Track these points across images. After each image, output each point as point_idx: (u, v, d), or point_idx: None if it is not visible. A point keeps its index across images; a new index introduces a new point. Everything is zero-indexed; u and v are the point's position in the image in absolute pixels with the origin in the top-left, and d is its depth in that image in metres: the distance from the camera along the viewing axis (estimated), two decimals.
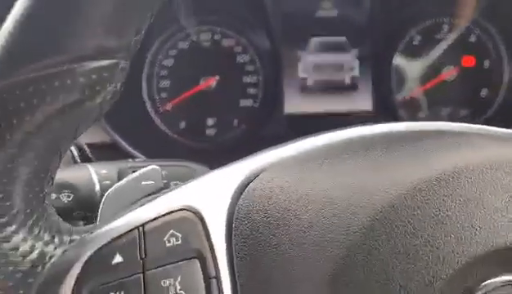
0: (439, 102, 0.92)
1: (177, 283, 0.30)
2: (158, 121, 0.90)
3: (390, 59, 0.90)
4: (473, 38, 0.91)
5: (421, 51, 0.91)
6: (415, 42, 0.90)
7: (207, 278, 0.31)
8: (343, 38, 0.88)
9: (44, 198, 0.34)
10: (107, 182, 0.48)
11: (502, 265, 0.28)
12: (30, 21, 0.30)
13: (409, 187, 0.29)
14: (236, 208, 0.32)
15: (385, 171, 0.31)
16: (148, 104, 0.89)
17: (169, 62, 0.89)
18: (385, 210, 0.29)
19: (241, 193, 0.32)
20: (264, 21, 0.86)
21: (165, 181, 0.55)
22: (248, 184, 0.33)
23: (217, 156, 0.90)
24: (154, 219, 0.32)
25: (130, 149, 0.73)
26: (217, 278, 0.31)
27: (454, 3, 0.89)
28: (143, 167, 0.53)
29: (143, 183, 0.41)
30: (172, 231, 0.31)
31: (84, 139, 0.78)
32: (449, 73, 0.91)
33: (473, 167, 0.30)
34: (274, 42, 0.87)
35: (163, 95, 0.89)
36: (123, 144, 0.72)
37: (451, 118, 0.93)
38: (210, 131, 0.91)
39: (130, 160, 0.54)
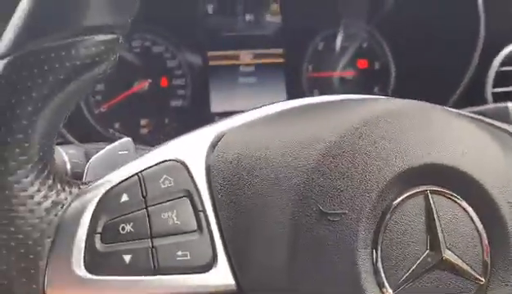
0: None
1: (173, 216, 0.40)
2: (93, 122, 0.95)
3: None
4: (365, 44, 1.09)
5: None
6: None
7: (196, 212, 0.40)
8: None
9: (53, 151, 0.40)
10: (75, 161, 0.54)
11: (419, 179, 0.36)
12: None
13: (343, 132, 0.38)
14: (212, 157, 0.42)
15: (322, 125, 0.41)
16: (83, 106, 0.94)
17: None
18: (329, 147, 0.38)
19: (215, 147, 0.43)
20: (192, 33, 0.96)
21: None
22: (219, 139, 0.43)
23: None
24: (150, 167, 0.41)
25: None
26: (204, 211, 0.40)
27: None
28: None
29: (119, 152, 0.48)
30: (165, 176, 0.41)
31: None
32: (347, 72, 1.07)
33: (390, 112, 0.39)
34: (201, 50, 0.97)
35: (98, 97, 0.95)
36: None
37: None
38: (143, 131, 0.99)
39: (93, 143, 0.60)
